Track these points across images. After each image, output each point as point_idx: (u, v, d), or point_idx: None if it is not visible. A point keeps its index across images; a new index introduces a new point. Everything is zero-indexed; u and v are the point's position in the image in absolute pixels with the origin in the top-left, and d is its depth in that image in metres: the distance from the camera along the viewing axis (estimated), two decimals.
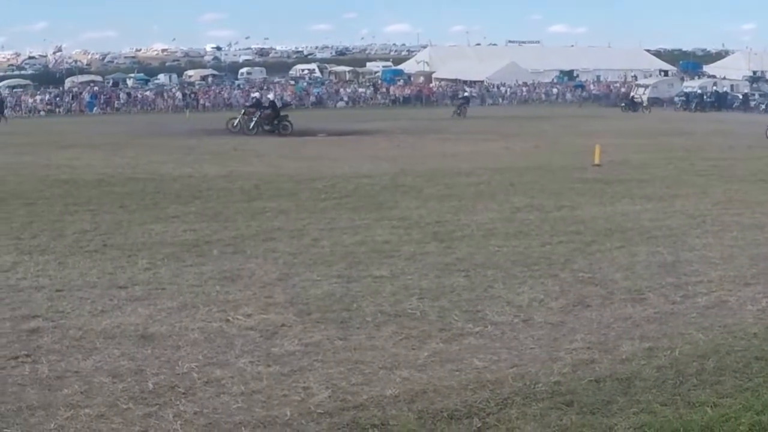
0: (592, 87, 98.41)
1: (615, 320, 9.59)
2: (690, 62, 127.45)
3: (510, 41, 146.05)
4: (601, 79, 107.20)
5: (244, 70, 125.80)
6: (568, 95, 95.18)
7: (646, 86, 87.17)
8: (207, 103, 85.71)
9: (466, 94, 79.89)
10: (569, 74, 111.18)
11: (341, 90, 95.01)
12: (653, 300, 10.49)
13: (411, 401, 7.17)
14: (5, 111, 69.27)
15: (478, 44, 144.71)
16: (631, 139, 37.96)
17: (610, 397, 7.18)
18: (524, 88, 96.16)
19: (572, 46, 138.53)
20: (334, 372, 7.94)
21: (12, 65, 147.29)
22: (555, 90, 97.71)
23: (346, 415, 6.93)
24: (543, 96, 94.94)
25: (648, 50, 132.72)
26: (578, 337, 8.95)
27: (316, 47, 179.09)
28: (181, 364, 8.19)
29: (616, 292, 10.84)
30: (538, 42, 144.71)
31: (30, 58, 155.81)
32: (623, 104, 75.60)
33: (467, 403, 7.10)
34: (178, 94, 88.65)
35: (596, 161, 26.37)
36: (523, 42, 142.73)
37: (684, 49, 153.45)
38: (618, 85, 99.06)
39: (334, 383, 7.64)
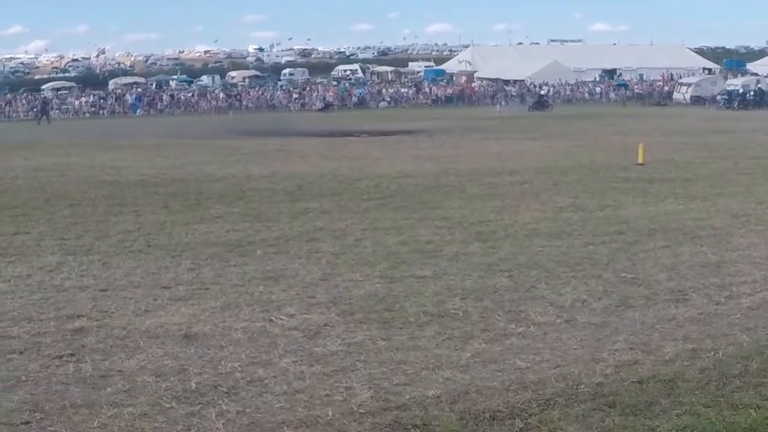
0: (635, 86, 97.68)
1: (658, 321, 9.52)
2: (734, 60, 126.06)
3: (552, 40, 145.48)
4: (644, 77, 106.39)
5: (286, 70, 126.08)
6: (611, 94, 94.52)
7: (688, 85, 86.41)
8: (250, 104, 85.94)
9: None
10: (611, 73, 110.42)
11: (383, 90, 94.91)
12: (697, 300, 10.40)
13: (453, 402, 7.16)
14: (50, 112, 70.26)
15: (520, 43, 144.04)
16: (674, 138, 37.70)
17: (653, 399, 7.13)
18: (567, 87, 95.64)
19: (614, 44, 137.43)
20: (376, 372, 7.94)
21: (56, 68, 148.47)
22: (598, 89, 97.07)
23: (388, 416, 6.93)
24: (586, 95, 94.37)
25: (690, 48, 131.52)
26: (621, 337, 8.89)
27: (358, 48, 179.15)
28: (224, 364, 8.23)
29: (659, 292, 10.76)
30: (580, 41, 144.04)
31: (73, 60, 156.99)
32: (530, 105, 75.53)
33: (509, 404, 7.07)
34: (221, 95, 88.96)
35: (639, 160, 26.19)
36: (565, 41, 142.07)
37: (727, 46, 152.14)
38: (660, 83, 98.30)
39: (377, 383, 7.64)
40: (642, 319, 9.58)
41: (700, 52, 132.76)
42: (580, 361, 8.15)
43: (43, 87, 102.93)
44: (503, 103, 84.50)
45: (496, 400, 7.18)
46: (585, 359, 8.19)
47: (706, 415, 6.80)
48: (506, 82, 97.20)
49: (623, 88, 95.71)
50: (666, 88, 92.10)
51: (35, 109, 75.32)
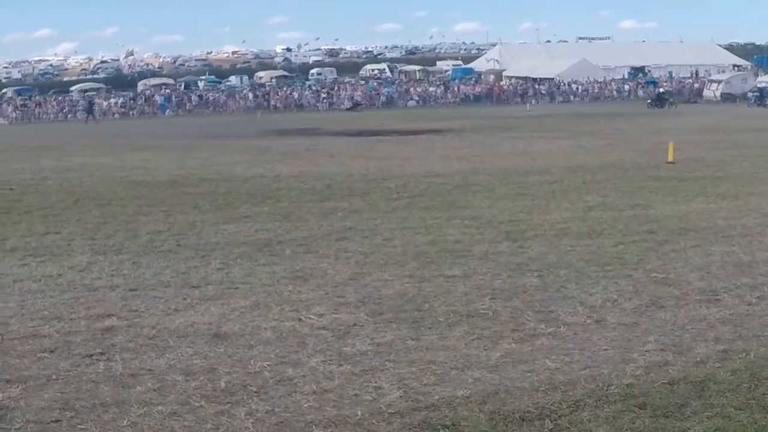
0: (664, 83, 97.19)
1: (689, 322, 9.44)
2: (764, 56, 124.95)
3: (580, 38, 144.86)
4: (673, 75, 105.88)
5: (314, 70, 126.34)
6: (640, 92, 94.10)
7: (718, 82, 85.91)
8: (278, 104, 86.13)
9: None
10: (641, 70, 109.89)
11: (411, 89, 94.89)
12: (728, 301, 10.31)
13: (482, 402, 7.13)
14: (94, 113, 71.41)
15: (548, 41, 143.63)
16: (704, 136, 37.45)
17: (683, 401, 7.07)
18: (596, 85, 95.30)
19: (643, 41, 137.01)
20: (405, 372, 7.93)
21: (84, 70, 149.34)
22: (627, 87, 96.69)
23: (417, 416, 6.91)
24: (615, 93, 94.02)
25: (720, 45, 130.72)
26: (651, 338, 8.83)
27: (386, 47, 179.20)
28: (254, 363, 8.24)
29: (690, 292, 10.68)
30: (608, 38, 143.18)
31: (102, 62, 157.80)
32: (649, 102, 75.34)
33: (539, 405, 7.05)
34: (250, 96, 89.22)
35: (670, 159, 26.06)
36: (593, 38, 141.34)
37: (757, 42, 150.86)
38: (690, 81, 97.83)
39: (406, 383, 7.63)
40: (673, 320, 9.51)
41: (730, 48, 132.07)
42: (610, 361, 8.11)
43: (72, 89, 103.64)
44: (534, 101, 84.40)
45: (526, 400, 7.16)
46: (615, 360, 8.15)
47: (737, 417, 6.74)
48: (534, 80, 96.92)
49: (652, 85, 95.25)
50: (696, 86, 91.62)
51: (82, 110, 76.42)
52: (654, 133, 39.15)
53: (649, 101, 74.56)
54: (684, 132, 39.24)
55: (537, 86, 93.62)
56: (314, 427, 6.78)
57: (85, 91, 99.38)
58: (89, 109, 74.56)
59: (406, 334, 9.09)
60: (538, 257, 12.85)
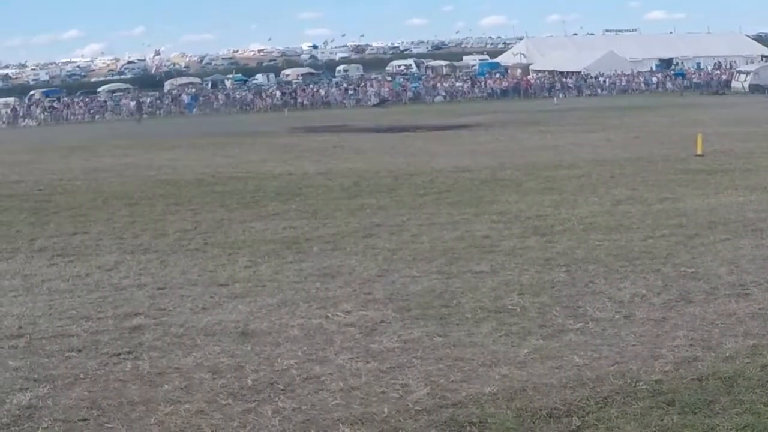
0: (693, 75, 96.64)
1: (718, 316, 9.36)
2: None
3: (607, 30, 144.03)
4: (702, 66, 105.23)
5: (341, 67, 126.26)
6: (668, 84, 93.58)
7: (747, 73, 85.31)
8: (305, 102, 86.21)
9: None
10: (668, 62, 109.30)
11: (438, 84, 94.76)
12: (758, 295, 10.21)
13: (510, 399, 7.10)
14: (143, 112, 72.29)
15: (575, 34, 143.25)
16: (734, 128, 37.18)
17: (712, 397, 7.01)
18: (623, 78, 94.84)
19: (670, 33, 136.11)
20: (432, 369, 7.91)
21: (111, 70, 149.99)
22: (654, 79, 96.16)
23: (445, 413, 6.89)
24: (642, 85, 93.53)
25: (748, 35, 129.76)
26: (680, 333, 8.77)
27: (412, 42, 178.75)
28: (281, 361, 8.24)
29: (719, 287, 10.59)
30: (635, 30, 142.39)
31: (129, 62, 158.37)
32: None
33: (566, 402, 7.01)
34: (277, 93, 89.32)
35: (699, 151, 25.91)
36: (621, 30, 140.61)
37: None
38: (718, 72, 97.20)
39: (433, 380, 7.61)
40: (702, 315, 9.44)
41: (759, 39, 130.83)
42: (639, 357, 8.06)
43: (100, 89, 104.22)
44: (561, 95, 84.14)
45: (554, 397, 7.12)
46: (643, 356, 8.10)
47: (766, 413, 6.68)
48: (562, 73, 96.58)
49: (680, 77, 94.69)
50: (724, 77, 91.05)
51: (132, 110, 77.41)
52: (682, 126, 38.94)
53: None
54: (712, 124, 39.01)
55: (564, 80, 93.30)
56: (341, 424, 6.77)
57: (113, 91, 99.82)
58: (139, 109, 75.34)
59: (433, 331, 9.07)
60: (566, 252, 12.80)
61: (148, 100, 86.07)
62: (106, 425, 6.90)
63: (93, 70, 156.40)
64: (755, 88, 78.67)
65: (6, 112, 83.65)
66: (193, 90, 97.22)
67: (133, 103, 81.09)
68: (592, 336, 8.78)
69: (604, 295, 10.35)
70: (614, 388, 7.26)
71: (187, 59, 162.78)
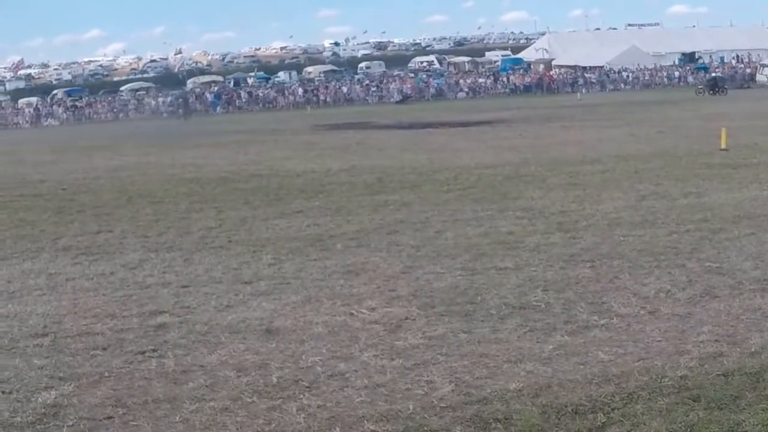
0: (716, 69, 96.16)
1: (744, 311, 9.30)
2: None
3: (629, 24, 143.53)
4: (725, 60, 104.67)
5: (363, 64, 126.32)
6: (691, 78, 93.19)
7: None
8: (328, 99, 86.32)
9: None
10: (691, 56, 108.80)
11: (461, 81, 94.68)
12: None
13: (535, 395, 7.08)
14: (189, 109, 72.88)
15: (598, 29, 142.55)
16: (758, 122, 36.92)
17: (738, 392, 6.96)
18: (646, 72, 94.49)
19: (693, 26, 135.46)
20: (457, 365, 7.89)
21: (134, 69, 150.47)
22: (677, 73, 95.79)
23: (470, 409, 6.87)
24: (666, 80, 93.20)
25: None
26: (706, 329, 8.71)
27: (434, 38, 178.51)
28: (305, 358, 8.24)
29: (745, 282, 10.52)
30: (657, 24, 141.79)
31: (151, 61, 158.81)
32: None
33: (592, 398, 6.98)
34: (299, 91, 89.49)
35: (723, 145, 25.75)
36: (643, 24, 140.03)
37: None
38: (742, 65, 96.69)
39: (458, 377, 7.59)
40: (727, 310, 9.38)
41: None
42: (664, 353, 8.01)
43: (122, 89, 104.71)
44: (584, 90, 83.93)
45: (579, 393, 7.09)
46: (669, 351, 8.05)
47: None
48: (584, 68, 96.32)
49: (703, 71, 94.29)
50: (748, 71, 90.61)
51: (178, 108, 77.91)
52: (706, 120, 38.77)
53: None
54: (737, 118, 38.80)
55: (587, 75, 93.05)
56: (366, 421, 6.76)
57: (135, 90, 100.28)
58: (185, 106, 75.76)
59: (458, 327, 9.05)
60: (590, 248, 12.75)
61: (164, 99, 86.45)
62: (131, 423, 6.91)
63: (115, 70, 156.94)
64: None
65: (29, 112, 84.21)
66: (216, 88, 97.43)
67: (170, 100, 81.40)
68: (617, 332, 8.75)
69: (629, 290, 10.30)
70: (639, 384, 7.22)
71: (209, 57, 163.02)
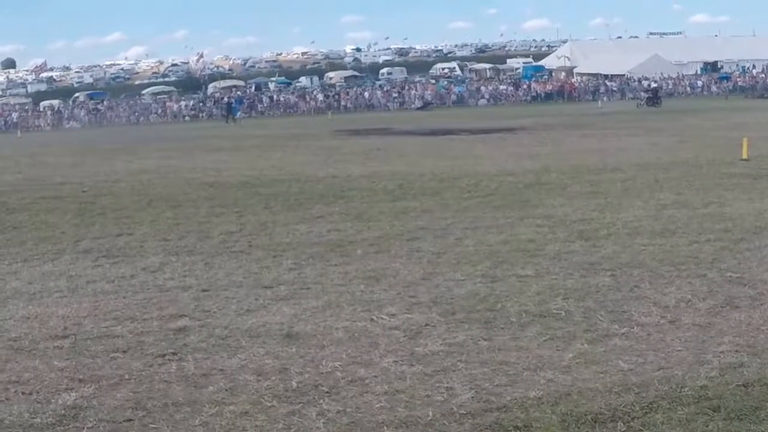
0: (738, 79, 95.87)
1: (765, 322, 9.25)
2: None
3: (651, 33, 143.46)
4: (746, 69, 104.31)
5: (384, 70, 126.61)
6: (713, 87, 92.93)
7: None
8: (349, 105, 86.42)
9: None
10: (714, 66, 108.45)
11: (482, 88, 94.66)
12: None
13: (555, 403, 7.07)
14: (237, 114, 73.21)
15: (619, 37, 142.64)
16: None
17: (758, 403, 6.93)
18: (668, 81, 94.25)
19: (715, 36, 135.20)
20: (477, 372, 7.88)
21: (155, 73, 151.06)
22: (699, 82, 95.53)
23: (489, 417, 6.87)
24: (687, 89, 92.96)
25: None
26: (726, 339, 8.68)
27: (456, 45, 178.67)
28: (325, 363, 8.24)
29: (765, 292, 10.46)
30: (680, 33, 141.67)
31: (173, 65, 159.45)
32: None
33: (611, 407, 6.96)
34: (320, 96, 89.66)
35: (744, 155, 25.65)
36: (665, 33, 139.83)
37: None
38: (763, 75, 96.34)
39: (478, 384, 7.59)
40: (748, 320, 9.34)
41: None
42: (684, 363, 7.99)
43: (144, 92, 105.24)
44: (605, 98, 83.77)
45: (599, 402, 7.08)
46: (689, 361, 8.03)
47: None
48: (606, 76, 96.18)
49: (725, 80, 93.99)
50: None
51: (222, 112, 78.08)
52: (728, 130, 38.61)
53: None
54: (758, 128, 38.59)
55: (608, 83, 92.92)
56: (385, 427, 6.77)
57: (156, 94, 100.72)
58: (228, 110, 76.14)
59: (478, 335, 9.04)
60: (611, 256, 12.72)
61: (186, 103, 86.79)
62: (150, 426, 6.93)
63: (137, 73, 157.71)
64: None
65: (50, 114, 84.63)
66: (237, 93, 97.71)
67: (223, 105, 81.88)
68: (637, 341, 8.72)
69: (650, 299, 10.28)
70: (659, 393, 7.21)
71: (231, 62, 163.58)
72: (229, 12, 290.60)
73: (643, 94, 77.77)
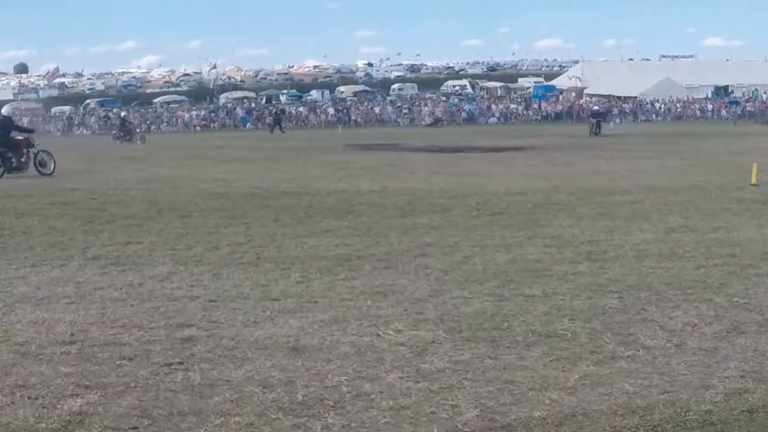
0: (747, 104, 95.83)
1: None
2: None
3: (663, 56, 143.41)
4: (758, 94, 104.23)
5: (395, 85, 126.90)
6: (723, 112, 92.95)
7: None
8: (359, 119, 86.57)
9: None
10: (724, 90, 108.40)
11: (493, 106, 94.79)
12: None
13: (559, 424, 7.07)
14: (282, 123, 73.70)
15: (631, 59, 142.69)
16: None
17: (762, 429, 6.92)
18: (678, 104, 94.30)
19: (727, 60, 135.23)
20: (482, 391, 7.88)
21: (167, 82, 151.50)
22: (710, 106, 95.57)
23: None
24: (698, 112, 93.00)
25: None
26: (732, 364, 8.67)
27: (467, 63, 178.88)
28: (331, 377, 8.25)
29: None
30: (692, 56, 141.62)
31: (185, 74, 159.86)
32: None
33: (616, 429, 6.96)
34: (331, 110, 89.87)
35: (753, 180, 25.65)
36: (677, 56, 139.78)
37: None
38: None
39: (483, 402, 7.59)
40: (754, 346, 9.33)
41: None
42: (689, 387, 7.99)
43: (155, 101, 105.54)
44: (617, 120, 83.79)
45: (603, 424, 7.08)
46: (694, 385, 8.03)
47: None
48: (617, 98, 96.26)
49: (735, 105, 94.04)
50: None
51: (271, 122, 78.89)
52: (737, 154, 38.64)
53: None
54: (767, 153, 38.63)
55: (621, 104, 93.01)
56: None
57: (168, 103, 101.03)
58: (276, 121, 76.58)
59: (484, 353, 9.05)
60: (618, 279, 12.71)
61: (197, 113, 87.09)
62: None
63: (149, 81, 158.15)
64: None
65: (61, 120, 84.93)
66: (248, 104, 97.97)
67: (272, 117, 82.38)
68: (642, 364, 8.72)
69: (656, 323, 10.27)
70: (664, 417, 7.21)
71: (243, 73, 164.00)
72: (242, 24, 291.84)
73: (591, 119, 66.65)
